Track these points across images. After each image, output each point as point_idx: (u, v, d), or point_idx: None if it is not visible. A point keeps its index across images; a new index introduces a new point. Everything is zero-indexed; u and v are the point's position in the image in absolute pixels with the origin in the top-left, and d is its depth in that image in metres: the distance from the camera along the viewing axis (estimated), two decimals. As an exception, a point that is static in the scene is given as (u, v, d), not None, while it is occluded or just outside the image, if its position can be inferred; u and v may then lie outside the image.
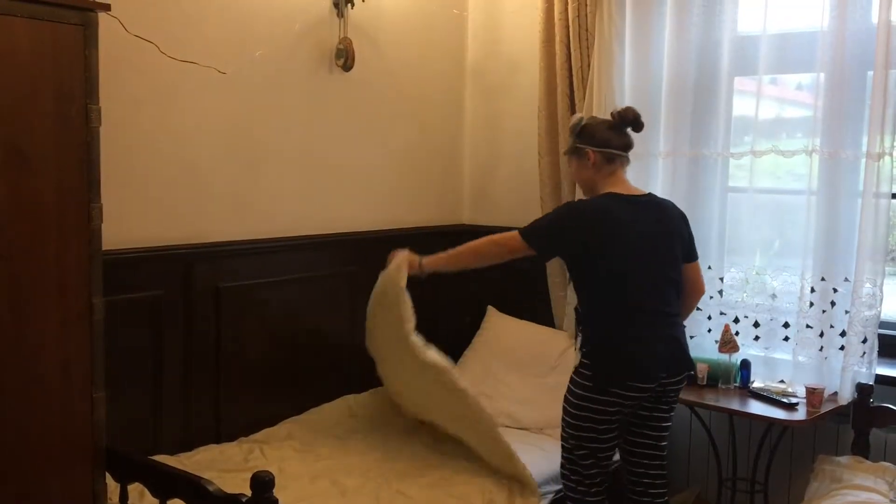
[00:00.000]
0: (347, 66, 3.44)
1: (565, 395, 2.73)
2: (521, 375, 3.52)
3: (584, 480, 2.72)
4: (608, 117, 2.84)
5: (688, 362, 2.78)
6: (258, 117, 3.23)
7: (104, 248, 2.17)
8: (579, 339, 2.75)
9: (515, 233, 2.74)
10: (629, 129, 2.78)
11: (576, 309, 2.86)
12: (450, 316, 4.08)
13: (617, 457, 2.85)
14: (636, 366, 2.63)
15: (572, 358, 3.53)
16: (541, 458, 3.18)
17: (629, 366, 2.63)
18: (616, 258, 2.64)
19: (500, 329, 3.84)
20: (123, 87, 2.74)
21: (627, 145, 2.78)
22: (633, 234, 2.67)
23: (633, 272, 2.66)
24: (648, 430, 2.77)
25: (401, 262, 2.85)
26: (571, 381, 2.70)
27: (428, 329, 3.91)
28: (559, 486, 2.98)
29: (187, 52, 2.89)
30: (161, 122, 2.92)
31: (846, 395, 3.05)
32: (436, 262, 2.87)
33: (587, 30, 3.52)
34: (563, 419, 2.74)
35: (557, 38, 3.59)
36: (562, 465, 2.79)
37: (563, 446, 2.77)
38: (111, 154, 2.30)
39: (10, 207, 1.96)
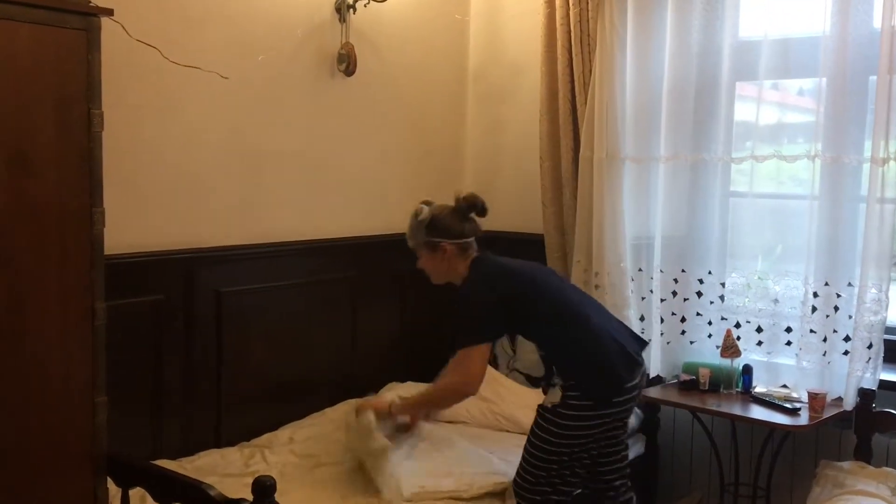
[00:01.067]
0: (349, 72, 3.45)
1: (546, 428, 2.64)
2: (523, 381, 3.51)
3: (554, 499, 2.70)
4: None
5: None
6: (260, 122, 3.23)
7: (106, 252, 2.16)
8: (555, 380, 2.69)
9: (463, 354, 2.65)
10: (474, 215, 2.84)
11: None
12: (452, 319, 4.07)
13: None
14: (624, 370, 2.66)
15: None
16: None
17: (619, 372, 2.65)
18: (545, 293, 2.72)
19: (501, 334, 3.83)
20: (126, 92, 2.74)
21: (477, 230, 2.84)
22: (536, 272, 2.81)
23: (565, 296, 2.76)
24: (620, 431, 2.79)
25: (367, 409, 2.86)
26: (557, 414, 2.62)
27: (429, 333, 3.92)
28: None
29: (190, 56, 2.89)
30: (163, 126, 2.92)
31: (850, 401, 3.04)
32: (404, 408, 2.89)
33: (589, 35, 3.52)
34: (544, 448, 2.65)
35: (559, 43, 3.59)
36: (531, 493, 2.69)
37: (539, 475, 2.67)
38: (113, 159, 2.29)
39: (12, 212, 1.96)
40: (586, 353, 2.66)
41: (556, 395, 2.64)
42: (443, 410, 2.96)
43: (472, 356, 2.63)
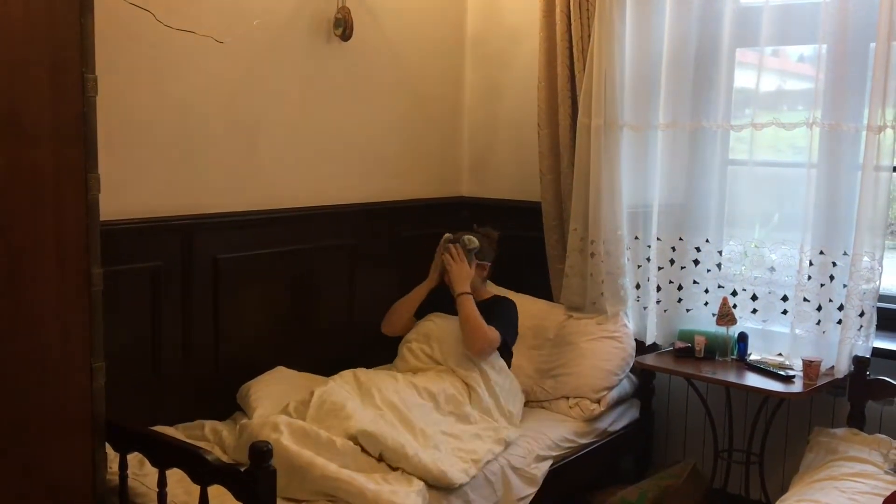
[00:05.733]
0: (346, 36, 3.41)
1: None
2: (518, 348, 3.53)
3: None
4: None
5: None
6: (256, 87, 3.21)
7: (102, 218, 2.16)
8: None
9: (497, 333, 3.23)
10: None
11: None
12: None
13: None
14: None
15: (569, 330, 3.59)
16: (544, 427, 3.25)
17: None
18: None
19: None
20: (120, 57, 2.71)
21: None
22: None
23: None
24: None
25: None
26: None
27: (428, 300, 3.92)
28: (559, 453, 3.16)
29: (184, 20, 2.86)
30: (158, 91, 2.90)
31: (843, 369, 3.06)
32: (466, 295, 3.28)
33: (588, 0, 3.49)
34: None
35: (558, 9, 3.56)
36: None
37: None
38: (109, 124, 2.29)
39: (8, 178, 1.95)
40: None
41: None
42: (466, 336, 3.20)
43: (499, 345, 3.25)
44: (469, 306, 3.19)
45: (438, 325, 3.34)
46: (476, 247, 3.34)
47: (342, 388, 2.91)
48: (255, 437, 2.53)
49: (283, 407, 2.85)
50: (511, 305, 3.40)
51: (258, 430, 2.59)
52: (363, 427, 2.67)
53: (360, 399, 2.88)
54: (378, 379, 3.03)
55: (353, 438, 2.66)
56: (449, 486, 2.67)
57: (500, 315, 3.30)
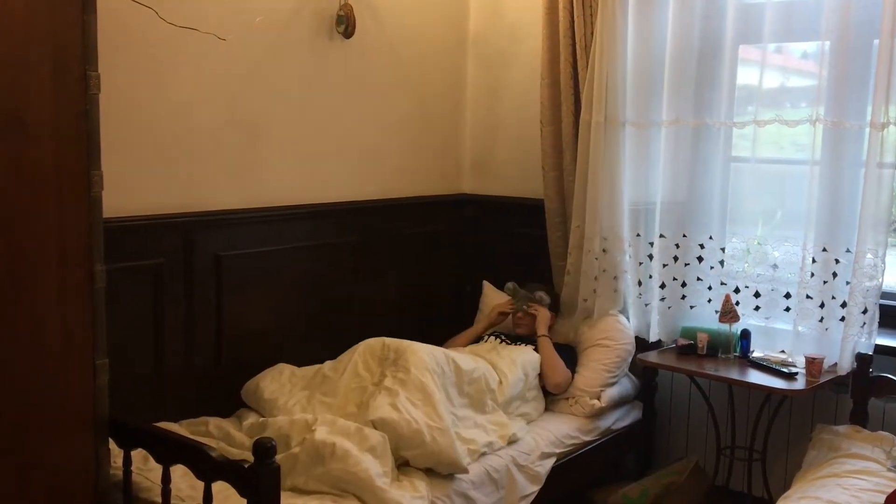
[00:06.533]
0: (348, 34, 3.41)
1: None
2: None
3: None
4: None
5: None
6: (258, 84, 3.21)
7: (105, 216, 2.16)
8: None
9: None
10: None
11: None
12: (451, 285, 4.09)
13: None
14: None
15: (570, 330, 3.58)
16: (548, 424, 3.27)
17: None
18: None
19: (496, 301, 3.82)
20: (122, 54, 2.71)
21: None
22: None
23: None
24: None
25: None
26: None
27: (430, 298, 3.94)
28: (562, 450, 3.16)
29: (187, 17, 2.86)
30: (161, 89, 2.90)
31: (845, 366, 3.06)
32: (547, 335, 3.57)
33: (591, -5, 3.49)
34: None
35: (560, 6, 3.55)
36: None
37: None
38: (111, 122, 2.28)
39: (10, 176, 1.95)
40: None
41: None
42: (547, 372, 3.41)
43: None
44: (550, 347, 3.46)
45: (489, 344, 3.52)
46: (548, 301, 3.62)
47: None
48: (287, 434, 2.63)
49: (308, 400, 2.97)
50: (574, 351, 3.60)
51: (288, 427, 2.66)
52: (380, 415, 2.71)
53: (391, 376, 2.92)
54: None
55: (372, 425, 2.71)
56: (463, 472, 2.74)
57: (567, 359, 3.50)
